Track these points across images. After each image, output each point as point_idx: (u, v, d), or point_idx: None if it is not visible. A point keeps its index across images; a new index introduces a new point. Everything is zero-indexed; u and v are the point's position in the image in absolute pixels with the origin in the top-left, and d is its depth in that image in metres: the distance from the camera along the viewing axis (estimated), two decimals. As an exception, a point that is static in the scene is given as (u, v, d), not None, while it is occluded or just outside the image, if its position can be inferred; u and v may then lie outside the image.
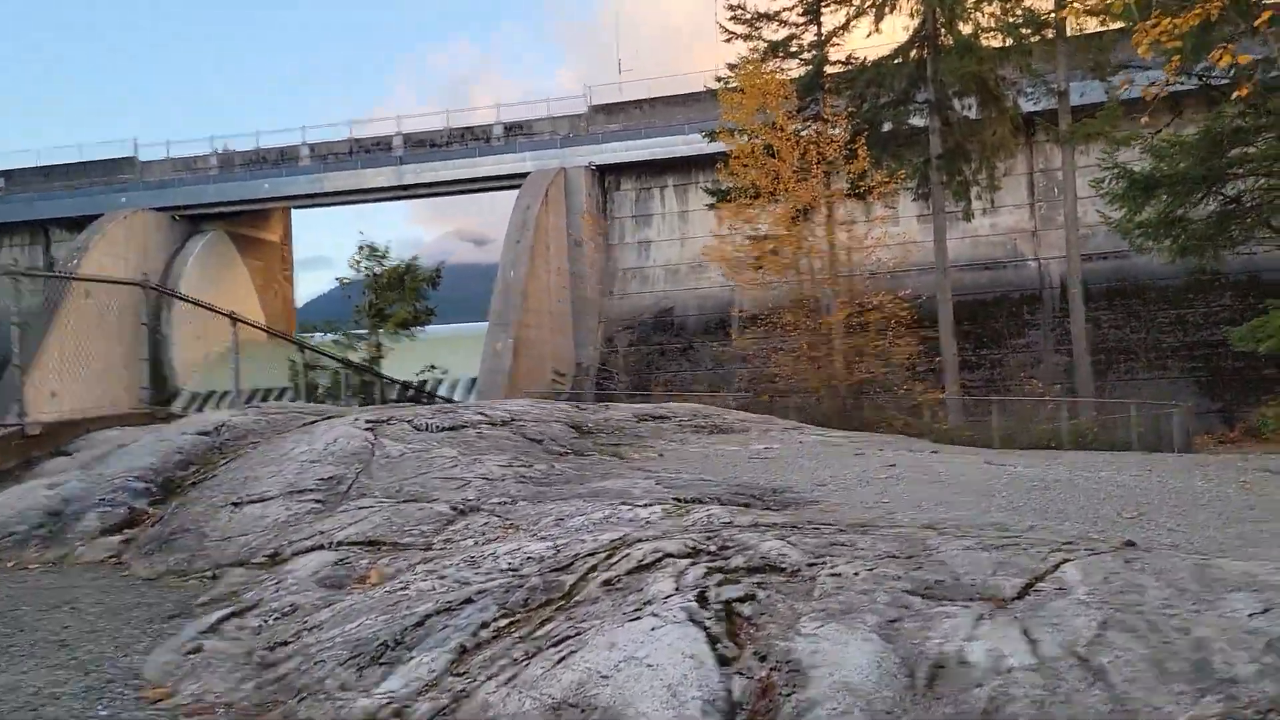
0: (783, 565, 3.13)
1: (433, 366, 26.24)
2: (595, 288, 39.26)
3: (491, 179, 40.68)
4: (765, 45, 26.68)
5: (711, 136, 26.35)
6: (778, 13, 26.94)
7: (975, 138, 27.62)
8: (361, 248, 24.49)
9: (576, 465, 6.19)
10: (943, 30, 26.84)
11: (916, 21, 27.09)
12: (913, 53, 27.30)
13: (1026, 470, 5.95)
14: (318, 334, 24.34)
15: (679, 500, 4.38)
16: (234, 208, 42.95)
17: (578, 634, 2.83)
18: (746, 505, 4.46)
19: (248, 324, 13.90)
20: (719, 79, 26.46)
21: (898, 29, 26.87)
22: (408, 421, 6.64)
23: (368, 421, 6.50)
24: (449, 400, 26.43)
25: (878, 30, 27.33)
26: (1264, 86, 12.83)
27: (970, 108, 28.21)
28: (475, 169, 40.60)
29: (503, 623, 3.09)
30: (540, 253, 35.21)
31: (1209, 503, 4.96)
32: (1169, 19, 7.96)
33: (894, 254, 36.79)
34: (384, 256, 22.78)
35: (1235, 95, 11.43)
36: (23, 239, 43.97)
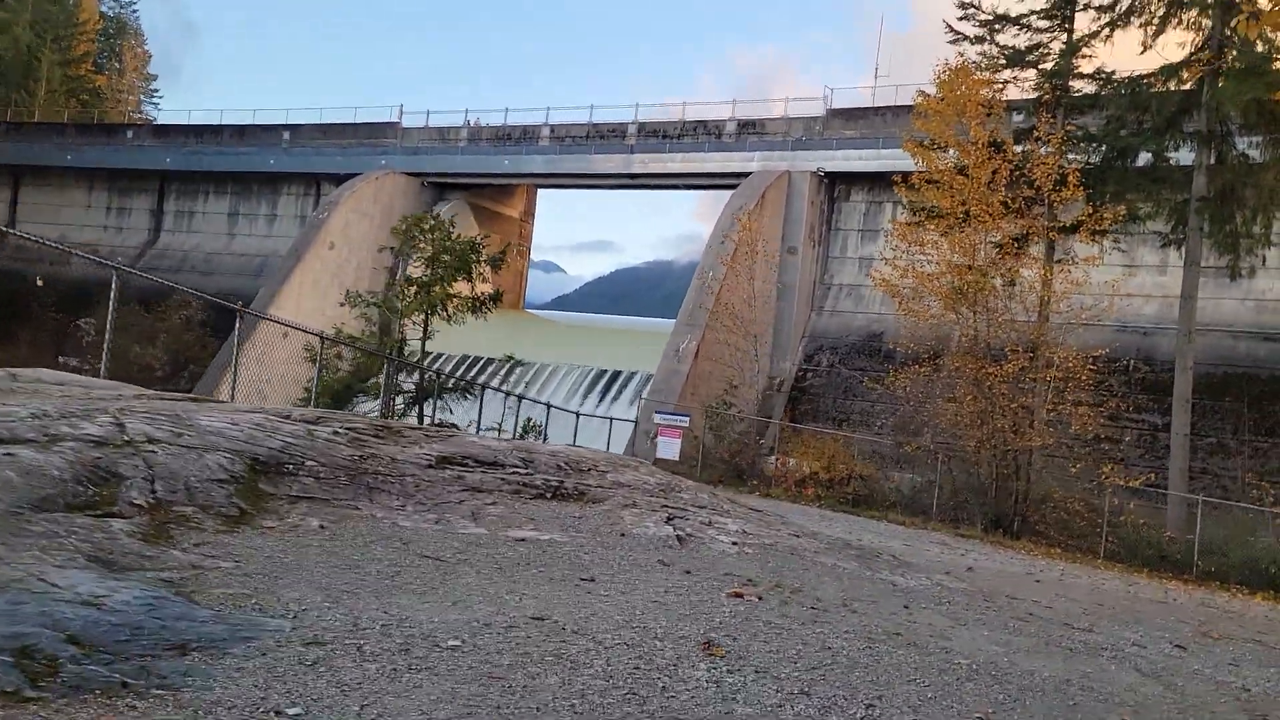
0: None
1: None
2: (805, 301, 36.88)
3: (716, 175, 39.29)
4: (998, 51, 23.30)
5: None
6: (1020, 16, 23.42)
7: (1252, 180, 22.71)
8: (405, 217, 23.72)
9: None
10: (1231, 50, 22.18)
11: (1197, 36, 22.66)
12: (1184, 73, 22.84)
13: None
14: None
15: None
16: (476, 180, 44.74)
17: None
18: None
19: (335, 341, 13.83)
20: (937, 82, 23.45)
21: (1157, 43, 22.58)
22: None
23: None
24: (528, 400, 25.32)
25: (1150, 46, 23.11)
26: None
27: (1255, 145, 23.27)
28: (703, 164, 39.39)
29: None
30: (744, 256, 33.39)
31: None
32: None
33: (1155, 307, 31.57)
34: (433, 230, 21.77)
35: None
36: (299, 189, 48.40)
